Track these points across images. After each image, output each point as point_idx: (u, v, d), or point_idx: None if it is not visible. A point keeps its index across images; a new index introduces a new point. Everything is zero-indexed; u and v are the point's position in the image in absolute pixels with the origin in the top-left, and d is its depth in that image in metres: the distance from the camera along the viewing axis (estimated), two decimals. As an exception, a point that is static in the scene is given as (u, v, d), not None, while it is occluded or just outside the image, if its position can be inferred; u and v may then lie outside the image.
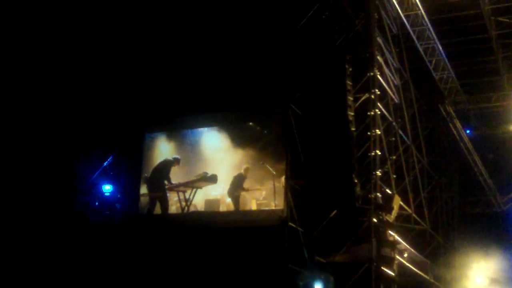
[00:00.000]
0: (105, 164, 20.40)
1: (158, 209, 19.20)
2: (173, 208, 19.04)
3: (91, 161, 20.39)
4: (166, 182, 18.96)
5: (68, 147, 20.22)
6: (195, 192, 18.63)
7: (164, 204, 19.02)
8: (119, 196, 20.30)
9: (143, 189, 19.53)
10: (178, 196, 18.77)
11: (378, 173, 16.00)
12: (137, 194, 19.56)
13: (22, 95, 19.54)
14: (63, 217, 19.40)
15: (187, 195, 18.68)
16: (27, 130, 19.58)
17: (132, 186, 19.87)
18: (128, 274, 18.39)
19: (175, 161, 19.17)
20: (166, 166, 19.16)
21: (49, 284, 18.47)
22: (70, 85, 20.09)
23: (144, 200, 19.47)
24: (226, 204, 18.40)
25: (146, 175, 19.53)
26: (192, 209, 18.64)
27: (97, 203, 20.20)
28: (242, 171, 18.23)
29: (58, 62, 19.82)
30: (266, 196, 17.95)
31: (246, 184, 18.16)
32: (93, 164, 20.39)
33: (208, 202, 18.60)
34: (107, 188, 20.32)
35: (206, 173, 18.56)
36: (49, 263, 18.71)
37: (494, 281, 21.83)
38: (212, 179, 18.45)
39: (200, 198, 18.69)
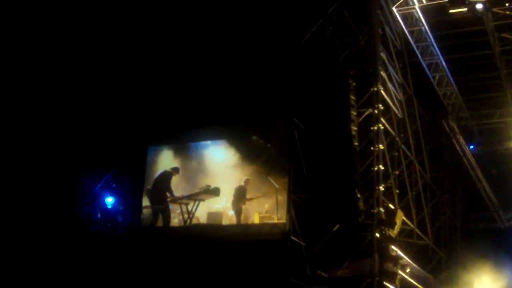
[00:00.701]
0: (107, 176, 20.44)
1: (160, 222, 19.22)
2: (176, 220, 19.03)
3: (94, 173, 20.44)
4: (168, 194, 18.98)
5: (71, 158, 20.27)
6: (198, 205, 18.61)
7: (166, 216, 19.02)
8: (121, 208, 20.35)
9: (145, 201, 19.55)
10: (181, 209, 18.76)
11: (381, 188, 16.01)
12: (139, 207, 19.57)
13: (26, 103, 19.52)
14: (65, 227, 19.39)
15: (189, 208, 18.65)
16: (30, 140, 19.53)
17: (134, 198, 19.89)
18: (129, 287, 18.38)
19: (174, 171, 19.20)
20: (166, 177, 19.19)
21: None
22: (74, 97, 20.13)
23: (146, 212, 19.49)
24: (229, 217, 18.40)
25: (148, 187, 19.55)
26: (194, 221, 18.63)
27: (99, 215, 20.26)
28: (242, 183, 18.26)
29: (62, 72, 19.81)
30: (268, 209, 17.94)
31: (248, 195, 18.18)
32: (96, 176, 20.44)
33: (211, 215, 18.59)
34: (109, 201, 20.39)
35: (209, 186, 18.58)
36: (49, 272, 18.68)
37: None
38: (215, 192, 18.48)
39: (202, 211, 18.66)
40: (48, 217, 19.39)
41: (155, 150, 20.12)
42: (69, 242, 19.15)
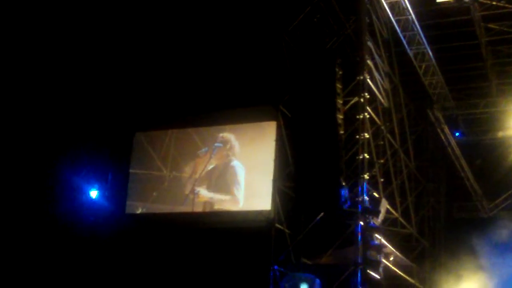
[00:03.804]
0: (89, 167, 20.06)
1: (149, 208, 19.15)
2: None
3: (75, 160, 20.06)
4: None
5: (50, 146, 19.78)
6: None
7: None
8: (106, 194, 20.18)
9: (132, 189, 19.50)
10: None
11: (366, 176, 16.05)
12: (124, 193, 19.52)
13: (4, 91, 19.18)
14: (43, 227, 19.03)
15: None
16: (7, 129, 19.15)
17: (119, 185, 19.80)
18: (114, 275, 18.38)
19: None
20: None
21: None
22: (56, 84, 19.79)
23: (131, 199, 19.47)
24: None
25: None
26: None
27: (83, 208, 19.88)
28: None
29: (43, 56, 19.45)
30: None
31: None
32: (79, 163, 20.09)
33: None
34: (93, 194, 19.99)
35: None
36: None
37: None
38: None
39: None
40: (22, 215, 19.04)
41: (140, 136, 20.05)
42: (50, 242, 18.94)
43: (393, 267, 17.65)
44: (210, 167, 18.74)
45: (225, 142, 18.61)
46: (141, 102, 20.18)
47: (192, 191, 18.57)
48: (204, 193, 18.60)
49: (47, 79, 19.58)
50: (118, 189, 19.86)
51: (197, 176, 18.71)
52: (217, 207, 18.34)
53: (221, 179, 18.48)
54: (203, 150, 18.96)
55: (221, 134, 18.74)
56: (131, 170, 19.65)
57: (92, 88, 19.95)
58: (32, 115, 19.56)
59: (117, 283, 18.47)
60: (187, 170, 19.03)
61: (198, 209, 18.55)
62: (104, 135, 20.17)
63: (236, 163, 18.47)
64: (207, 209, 18.41)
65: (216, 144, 18.74)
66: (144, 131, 20.07)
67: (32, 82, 19.44)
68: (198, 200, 18.62)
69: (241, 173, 18.25)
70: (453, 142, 23.38)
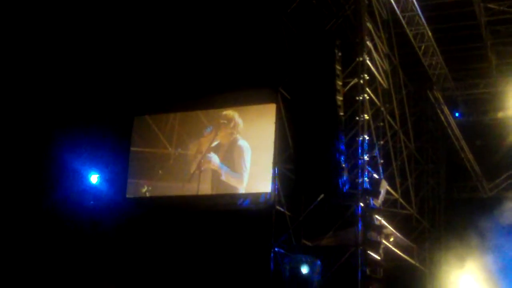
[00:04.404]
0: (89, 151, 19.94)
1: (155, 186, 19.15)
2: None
3: (75, 143, 19.87)
4: None
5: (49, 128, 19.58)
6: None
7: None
8: (106, 179, 20.09)
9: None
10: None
11: (366, 157, 16.08)
12: (125, 178, 19.53)
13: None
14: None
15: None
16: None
17: (120, 169, 19.79)
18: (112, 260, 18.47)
19: None
20: None
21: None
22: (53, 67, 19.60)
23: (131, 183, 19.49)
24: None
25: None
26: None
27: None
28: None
29: (43, 38, 19.24)
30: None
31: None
32: (79, 146, 19.92)
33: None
34: (94, 179, 19.79)
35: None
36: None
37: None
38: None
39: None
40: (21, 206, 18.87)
41: (140, 120, 20.04)
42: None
43: (393, 248, 17.73)
44: (215, 143, 18.70)
45: (229, 119, 18.57)
46: (141, 86, 20.13)
47: (199, 167, 18.54)
48: (215, 160, 18.53)
49: (46, 64, 19.43)
50: (119, 172, 19.82)
51: (203, 153, 18.67)
52: (224, 179, 18.28)
53: (229, 155, 18.45)
54: (208, 129, 18.93)
55: (224, 112, 18.69)
56: (132, 149, 19.58)
57: (93, 72, 19.83)
58: (30, 97, 19.38)
59: (118, 266, 18.57)
60: (192, 148, 18.98)
61: (205, 183, 18.51)
62: (105, 118, 20.08)
63: (242, 142, 18.39)
64: (215, 179, 18.34)
65: (221, 121, 18.71)
66: (143, 115, 20.01)
67: (30, 68, 19.26)
68: (207, 166, 18.59)
69: (248, 153, 18.21)
70: (452, 122, 23.40)
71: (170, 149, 19.38)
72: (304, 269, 15.92)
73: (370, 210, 15.70)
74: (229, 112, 18.72)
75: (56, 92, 19.58)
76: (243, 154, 18.23)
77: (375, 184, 16.19)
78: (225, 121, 18.63)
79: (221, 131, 18.65)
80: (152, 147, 19.64)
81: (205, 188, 18.44)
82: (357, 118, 16.26)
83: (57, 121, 19.54)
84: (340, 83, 16.83)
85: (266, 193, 17.29)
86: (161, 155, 19.42)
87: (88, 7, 19.22)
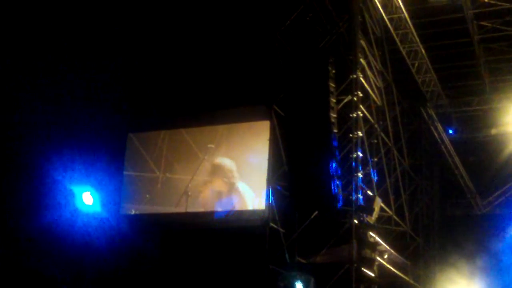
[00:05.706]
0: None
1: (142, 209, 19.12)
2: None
3: (67, 162, 19.61)
4: None
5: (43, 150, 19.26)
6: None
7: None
8: (100, 197, 19.80)
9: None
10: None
11: (360, 174, 16.09)
12: (119, 195, 19.47)
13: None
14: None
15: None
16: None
17: (114, 186, 19.72)
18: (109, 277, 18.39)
19: None
20: None
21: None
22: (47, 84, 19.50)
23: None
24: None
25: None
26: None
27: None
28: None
29: (37, 55, 19.11)
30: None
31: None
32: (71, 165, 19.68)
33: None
34: (88, 199, 19.20)
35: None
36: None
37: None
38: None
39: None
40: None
41: (133, 137, 20.00)
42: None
43: (387, 265, 17.68)
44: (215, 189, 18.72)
45: (221, 167, 18.50)
46: (134, 103, 20.11)
47: (186, 192, 18.51)
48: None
49: (39, 79, 19.35)
50: (112, 191, 19.72)
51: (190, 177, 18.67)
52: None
53: (229, 200, 18.44)
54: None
55: (214, 162, 18.61)
56: (125, 172, 19.58)
57: (84, 89, 19.79)
58: (23, 115, 19.27)
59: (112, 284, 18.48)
60: (180, 171, 18.98)
61: (193, 208, 18.49)
62: (97, 137, 19.97)
63: (241, 185, 18.41)
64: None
65: (208, 146, 18.69)
66: (136, 132, 19.97)
67: (23, 83, 19.19)
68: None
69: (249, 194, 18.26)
70: (446, 139, 23.47)
71: (158, 172, 19.34)
72: (299, 286, 15.85)
73: (364, 227, 15.68)
74: (218, 161, 18.58)
75: (48, 108, 19.48)
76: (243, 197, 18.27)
77: (369, 201, 16.19)
78: (212, 146, 18.58)
79: (216, 179, 18.60)
80: (140, 170, 19.57)
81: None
82: (351, 135, 16.28)
83: (53, 140, 19.42)
84: (333, 100, 16.86)
85: (259, 210, 17.26)
86: (149, 178, 19.35)
87: (79, 25, 19.20)
